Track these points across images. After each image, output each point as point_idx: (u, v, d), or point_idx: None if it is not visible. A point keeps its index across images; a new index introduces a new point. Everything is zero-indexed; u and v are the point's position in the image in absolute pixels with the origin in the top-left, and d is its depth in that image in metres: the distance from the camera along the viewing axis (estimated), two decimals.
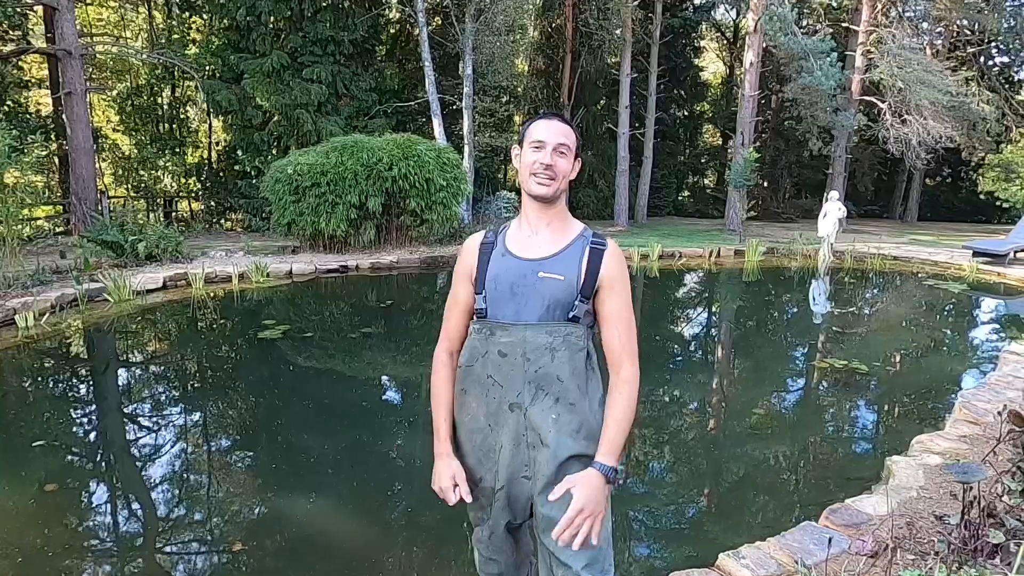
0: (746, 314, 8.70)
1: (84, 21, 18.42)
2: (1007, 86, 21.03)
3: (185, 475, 3.56)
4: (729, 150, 21.20)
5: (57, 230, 13.05)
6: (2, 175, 7.85)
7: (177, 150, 18.35)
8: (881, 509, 2.69)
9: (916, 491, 2.86)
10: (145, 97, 18.41)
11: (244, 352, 6.14)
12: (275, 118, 15.60)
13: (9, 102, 14.59)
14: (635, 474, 3.69)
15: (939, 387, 5.23)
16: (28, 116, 15.43)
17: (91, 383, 5.29)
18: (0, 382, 5.06)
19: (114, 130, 19.55)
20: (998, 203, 17.49)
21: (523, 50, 19.49)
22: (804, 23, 19.60)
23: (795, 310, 8.92)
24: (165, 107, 18.83)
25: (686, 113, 24.53)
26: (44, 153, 11.79)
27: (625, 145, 17.78)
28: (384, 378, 5.50)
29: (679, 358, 6.45)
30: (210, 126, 18.95)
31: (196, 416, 4.50)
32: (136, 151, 18.33)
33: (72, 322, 6.59)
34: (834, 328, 7.40)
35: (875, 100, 17.67)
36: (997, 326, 7.81)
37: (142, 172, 18.36)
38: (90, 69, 16.97)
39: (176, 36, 17.97)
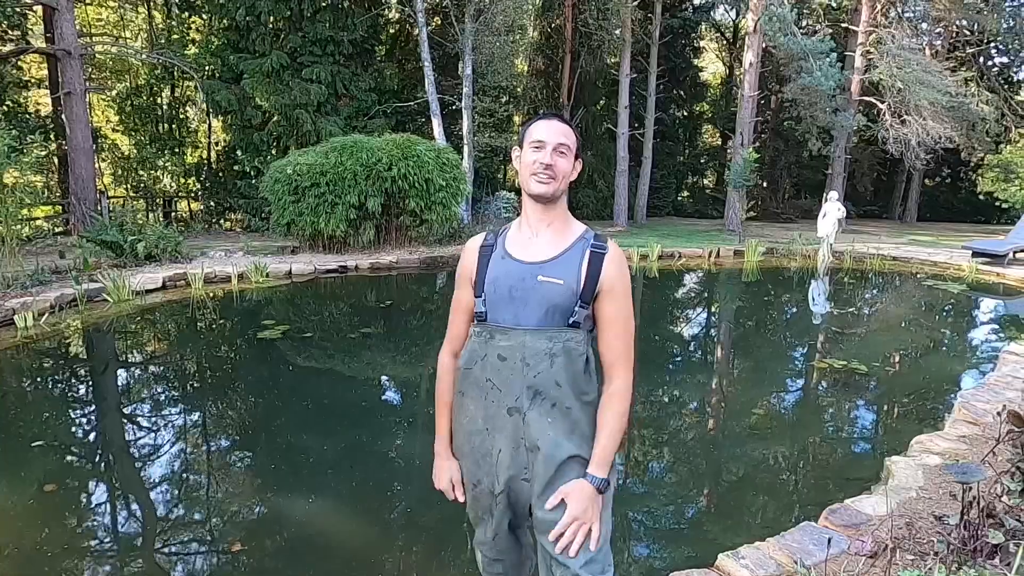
0: (745, 314, 8.69)
1: (84, 21, 18.42)
2: (1006, 86, 21.04)
3: (184, 475, 3.56)
4: (728, 150, 21.19)
5: (56, 230, 13.06)
6: (1, 175, 7.85)
7: (176, 150, 18.35)
8: (880, 509, 2.69)
9: (915, 491, 2.86)
10: (144, 97, 18.41)
11: (243, 352, 6.14)
12: (274, 118, 15.60)
13: (8, 102, 14.60)
14: (635, 474, 3.69)
15: (938, 387, 5.22)
16: (27, 116, 15.43)
17: (90, 383, 5.29)
18: None
19: (113, 130, 19.55)
20: (997, 203, 17.50)
21: (523, 50, 19.48)
22: (804, 23, 19.61)
23: (794, 310, 8.92)
24: (164, 107, 18.84)
25: (685, 113, 24.52)
26: (43, 153, 11.82)
27: (624, 145, 17.78)
28: (383, 378, 5.50)
29: (679, 358, 6.45)
30: (209, 126, 18.96)
31: (195, 416, 4.50)
32: (135, 151, 18.34)
33: (71, 322, 6.59)
34: (833, 328, 7.40)
35: (874, 100, 17.67)
36: (996, 326, 7.81)
37: (141, 172, 18.37)
38: (90, 69, 16.97)
39: (176, 36, 17.97)
